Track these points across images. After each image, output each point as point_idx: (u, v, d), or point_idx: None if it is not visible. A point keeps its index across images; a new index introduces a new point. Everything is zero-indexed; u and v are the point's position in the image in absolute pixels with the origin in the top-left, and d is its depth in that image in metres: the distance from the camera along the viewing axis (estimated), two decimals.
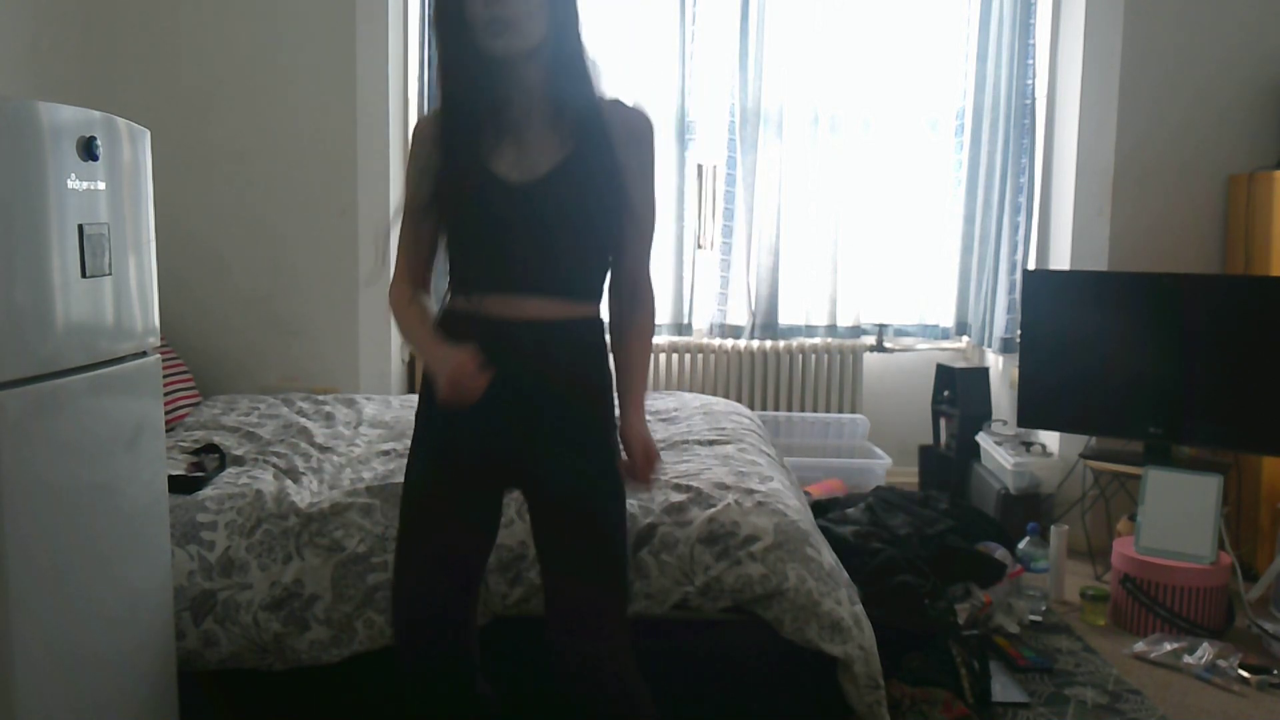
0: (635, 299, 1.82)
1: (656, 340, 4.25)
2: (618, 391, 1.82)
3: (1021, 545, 3.43)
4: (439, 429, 1.77)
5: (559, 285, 1.73)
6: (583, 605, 1.73)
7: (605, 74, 1.74)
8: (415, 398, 3.62)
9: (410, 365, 4.20)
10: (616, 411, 1.80)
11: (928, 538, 3.00)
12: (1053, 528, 3.33)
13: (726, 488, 2.39)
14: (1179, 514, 3.09)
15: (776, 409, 4.30)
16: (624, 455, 1.78)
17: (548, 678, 2.06)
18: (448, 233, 1.76)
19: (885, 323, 4.39)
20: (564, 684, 1.76)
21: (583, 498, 1.74)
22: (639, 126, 1.75)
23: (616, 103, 1.75)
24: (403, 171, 4.02)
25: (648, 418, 2.94)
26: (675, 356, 4.29)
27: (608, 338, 1.82)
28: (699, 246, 4.33)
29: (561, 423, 1.74)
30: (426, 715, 1.84)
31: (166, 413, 2.89)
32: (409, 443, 2.82)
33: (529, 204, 1.68)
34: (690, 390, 4.26)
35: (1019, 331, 3.78)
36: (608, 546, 1.75)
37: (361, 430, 3.06)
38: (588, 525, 1.74)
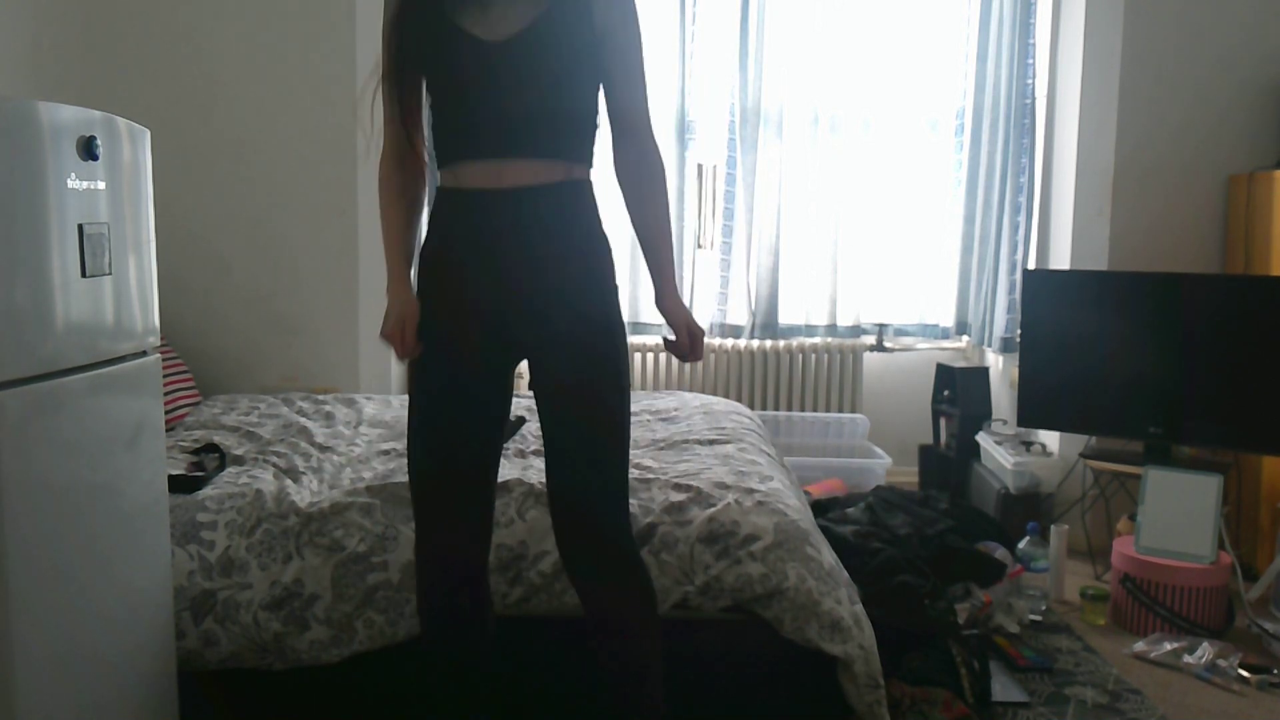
0: (642, 165, 1.79)
1: (657, 340, 4.27)
2: (649, 269, 1.82)
3: (1021, 545, 3.43)
4: (440, 316, 1.76)
5: (539, 146, 1.69)
6: (587, 491, 1.73)
7: None
8: None
9: (410, 365, 4.20)
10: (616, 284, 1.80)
11: (928, 538, 3.00)
12: (1053, 527, 3.33)
13: (726, 487, 2.39)
14: (1179, 514, 3.09)
15: (776, 409, 4.30)
16: (669, 335, 1.79)
17: (547, 677, 2.06)
18: (431, 100, 1.74)
19: (885, 322, 4.39)
20: (578, 577, 1.77)
21: (586, 379, 1.72)
22: None
23: None
24: None
25: (647, 417, 2.98)
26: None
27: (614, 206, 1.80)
28: (699, 246, 4.33)
29: (558, 294, 1.72)
30: (446, 641, 1.85)
31: (166, 412, 2.89)
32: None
33: (503, 61, 1.66)
34: (690, 390, 4.26)
35: (1019, 331, 3.78)
36: (612, 423, 1.73)
37: (361, 430, 3.06)
38: (591, 407, 1.73)
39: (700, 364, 4.29)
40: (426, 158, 1.85)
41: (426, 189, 1.87)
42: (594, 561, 1.76)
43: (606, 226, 1.80)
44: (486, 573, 1.88)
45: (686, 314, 1.79)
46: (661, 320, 4.40)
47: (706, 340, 4.29)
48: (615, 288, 1.80)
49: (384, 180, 1.80)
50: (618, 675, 1.80)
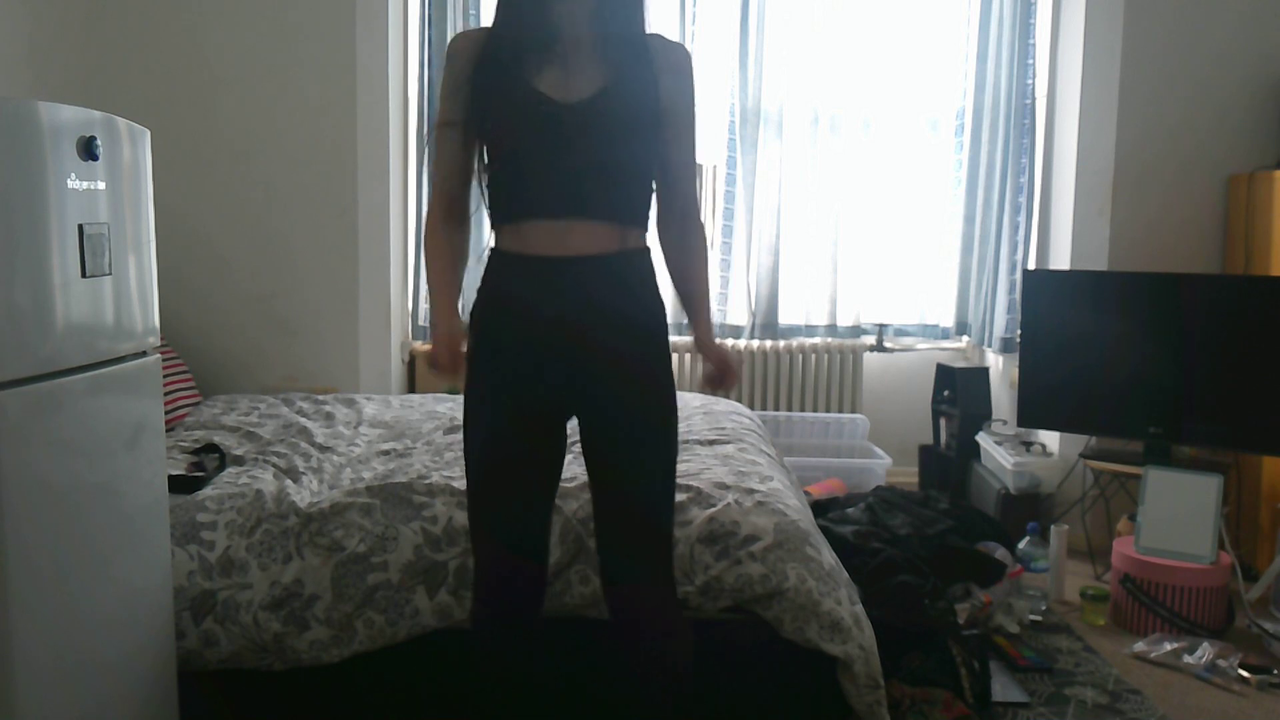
0: (687, 224, 1.88)
1: None
2: (685, 310, 1.92)
3: (1021, 545, 3.43)
4: (497, 375, 1.79)
5: (605, 209, 1.75)
6: (632, 538, 1.79)
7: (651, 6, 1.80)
8: (415, 398, 3.62)
9: (410, 365, 4.20)
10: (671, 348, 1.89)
11: (928, 538, 3.01)
12: (1053, 528, 3.33)
13: (726, 487, 2.39)
14: (1179, 514, 3.09)
15: (776, 409, 4.29)
16: (706, 367, 1.91)
17: (548, 677, 2.06)
18: (491, 154, 1.78)
19: (885, 322, 4.39)
20: (617, 620, 1.83)
21: (637, 437, 1.79)
22: (679, 58, 1.82)
23: (658, 35, 1.81)
24: (402, 171, 4.03)
25: None
26: (675, 356, 4.28)
27: (658, 268, 1.86)
28: None
29: (617, 361, 1.78)
30: (500, 667, 1.88)
31: (166, 413, 2.89)
32: (409, 442, 2.84)
33: (576, 122, 1.71)
34: (690, 390, 4.26)
35: (1019, 331, 3.78)
36: (658, 486, 1.81)
37: (361, 430, 3.06)
38: (640, 465, 1.79)
39: (700, 364, 4.27)
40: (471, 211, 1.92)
41: (469, 239, 1.94)
42: (638, 611, 1.83)
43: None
44: (545, 582, 1.92)
45: (720, 347, 1.92)
46: (668, 319, 4.41)
47: None
48: (669, 353, 1.89)
49: (431, 230, 1.85)
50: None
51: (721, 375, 1.89)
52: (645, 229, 1.84)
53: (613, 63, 1.74)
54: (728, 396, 1.87)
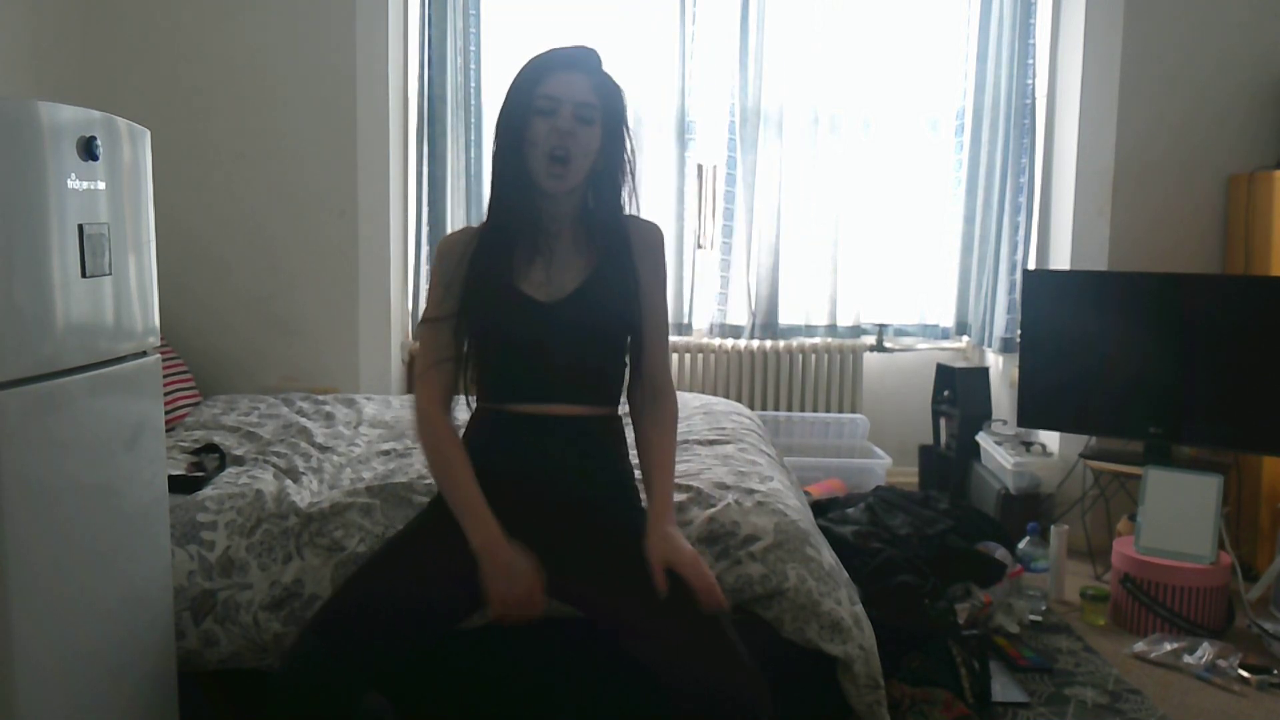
0: (657, 398, 1.93)
1: None
2: (645, 482, 1.91)
3: (1021, 545, 3.43)
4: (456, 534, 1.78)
5: (582, 395, 1.86)
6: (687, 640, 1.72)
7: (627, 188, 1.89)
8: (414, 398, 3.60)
9: (410, 365, 4.20)
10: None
11: (928, 538, 3.00)
12: (1053, 528, 3.33)
13: (726, 487, 2.39)
14: (1179, 514, 3.09)
15: (776, 409, 4.29)
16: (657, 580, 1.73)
17: (547, 677, 2.06)
18: (476, 348, 1.88)
19: (885, 322, 4.39)
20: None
21: (617, 584, 1.77)
22: (653, 238, 1.94)
23: (633, 217, 1.90)
24: (402, 172, 4.03)
25: None
26: (675, 356, 4.29)
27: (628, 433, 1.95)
28: (699, 246, 4.32)
29: (595, 507, 1.85)
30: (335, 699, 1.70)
31: (166, 413, 2.89)
32: (409, 442, 2.84)
33: (557, 321, 1.82)
34: (690, 390, 4.26)
35: (1019, 331, 3.78)
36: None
37: (361, 430, 3.06)
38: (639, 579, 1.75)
39: (700, 364, 4.29)
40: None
41: None
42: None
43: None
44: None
45: (683, 549, 1.76)
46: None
47: (706, 341, 4.29)
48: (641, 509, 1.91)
49: (434, 421, 1.85)
50: None
51: (660, 585, 1.71)
52: (620, 399, 1.96)
53: (593, 251, 1.87)
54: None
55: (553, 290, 1.84)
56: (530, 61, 1.85)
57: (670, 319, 4.21)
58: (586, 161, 1.81)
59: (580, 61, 1.83)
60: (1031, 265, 4.13)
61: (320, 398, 3.48)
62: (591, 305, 1.84)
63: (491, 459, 1.84)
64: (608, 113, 1.83)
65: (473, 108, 4.05)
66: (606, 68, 1.86)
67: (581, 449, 1.87)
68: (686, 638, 1.71)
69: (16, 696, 1.55)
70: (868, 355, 4.37)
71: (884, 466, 4.05)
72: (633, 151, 1.87)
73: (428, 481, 2.37)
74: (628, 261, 1.88)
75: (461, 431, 1.90)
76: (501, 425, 1.86)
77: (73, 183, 1.67)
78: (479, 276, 1.84)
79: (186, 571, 2.17)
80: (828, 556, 2.25)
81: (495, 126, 1.87)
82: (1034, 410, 3.62)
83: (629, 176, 1.87)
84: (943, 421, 4.23)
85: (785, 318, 4.30)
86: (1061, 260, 3.95)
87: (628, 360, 1.94)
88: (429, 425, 1.86)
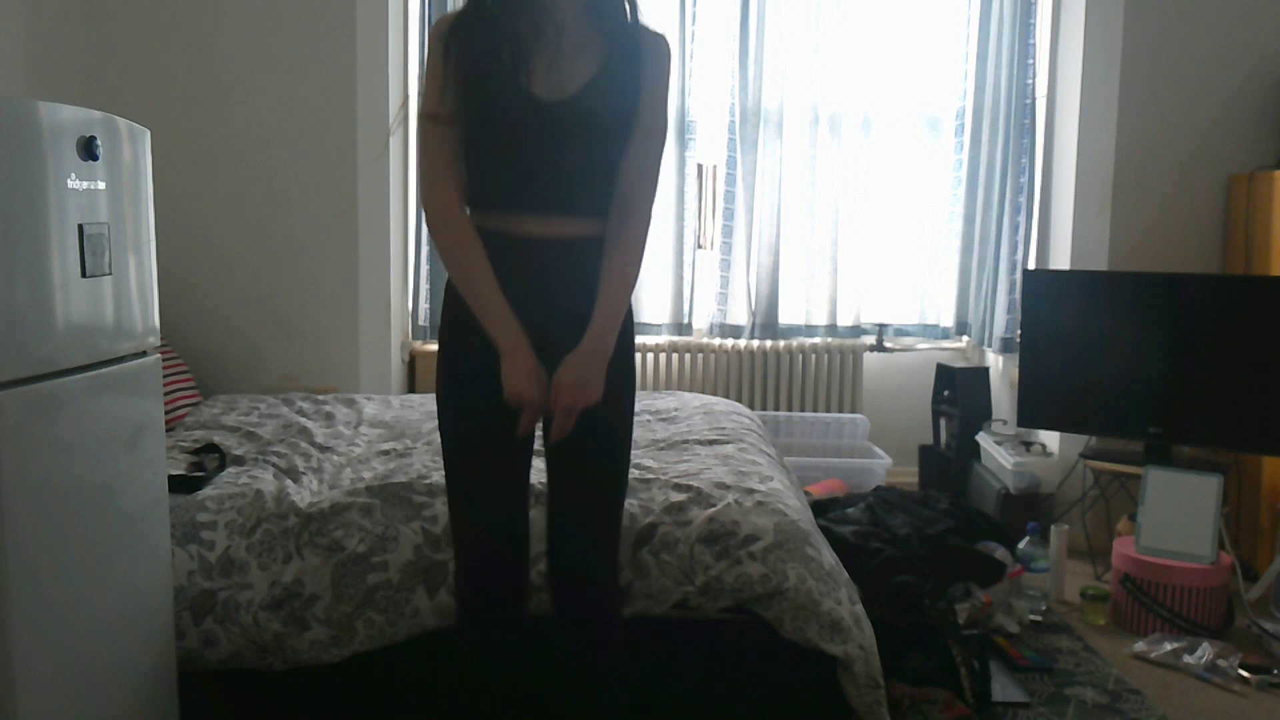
0: (626, 212, 1.80)
1: (657, 340, 4.27)
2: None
3: (1021, 545, 3.42)
4: (472, 355, 1.77)
5: (583, 202, 1.78)
6: (583, 537, 1.84)
7: None
8: (415, 398, 3.61)
9: (410, 365, 4.20)
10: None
11: (928, 538, 3.00)
12: (1053, 528, 3.33)
13: (726, 487, 2.39)
14: (1179, 514, 3.09)
15: (776, 409, 4.30)
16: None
17: (546, 677, 2.05)
18: (473, 146, 1.76)
19: (885, 322, 4.39)
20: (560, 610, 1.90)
21: (593, 423, 1.77)
22: (660, 48, 1.82)
23: (640, 25, 1.81)
24: (402, 172, 4.03)
25: (647, 418, 2.95)
26: (675, 356, 4.29)
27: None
28: (699, 246, 4.32)
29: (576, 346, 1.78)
30: (488, 666, 1.90)
31: (166, 413, 2.89)
32: (409, 442, 2.84)
33: (559, 121, 1.72)
34: (690, 390, 4.26)
35: (1019, 331, 3.78)
36: (611, 475, 1.85)
37: (361, 430, 3.06)
38: (594, 454, 1.82)
39: (700, 364, 4.29)
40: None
41: None
42: (579, 605, 1.89)
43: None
44: (527, 560, 1.94)
45: (562, 370, 1.74)
46: (661, 321, 4.39)
47: (706, 341, 4.29)
48: (632, 344, 1.89)
49: (455, 223, 1.75)
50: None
51: (554, 400, 1.73)
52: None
53: (598, 53, 1.75)
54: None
55: (555, 89, 1.72)
56: None
57: (670, 318, 4.26)
58: None
59: None
60: (1031, 265, 4.13)
61: (320, 397, 3.48)
62: (595, 106, 1.73)
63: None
64: None
65: None
66: None
67: (588, 275, 1.76)
68: (579, 507, 1.85)
69: (16, 696, 1.55)
70: (868, 355, 4.37)
71: (884, 466, 4.05)
72: None
73: (428, 481, 2.37)
74: (634, 66, 1.77)
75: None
76: (507, 250, 1.74)
77: (73, 183, 1.67)
78: (479, 71, 1.70)
79: (186, 571, 2.17)
80: (828, 556, 2.25)
81: None
82: (1034, 410, 3.62)
83: None
84: (943, 421, 4.23)
85: (785, 317, 4.30)
86: (1061, 260, 3.95)
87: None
88: (449, 228, 1.74)
